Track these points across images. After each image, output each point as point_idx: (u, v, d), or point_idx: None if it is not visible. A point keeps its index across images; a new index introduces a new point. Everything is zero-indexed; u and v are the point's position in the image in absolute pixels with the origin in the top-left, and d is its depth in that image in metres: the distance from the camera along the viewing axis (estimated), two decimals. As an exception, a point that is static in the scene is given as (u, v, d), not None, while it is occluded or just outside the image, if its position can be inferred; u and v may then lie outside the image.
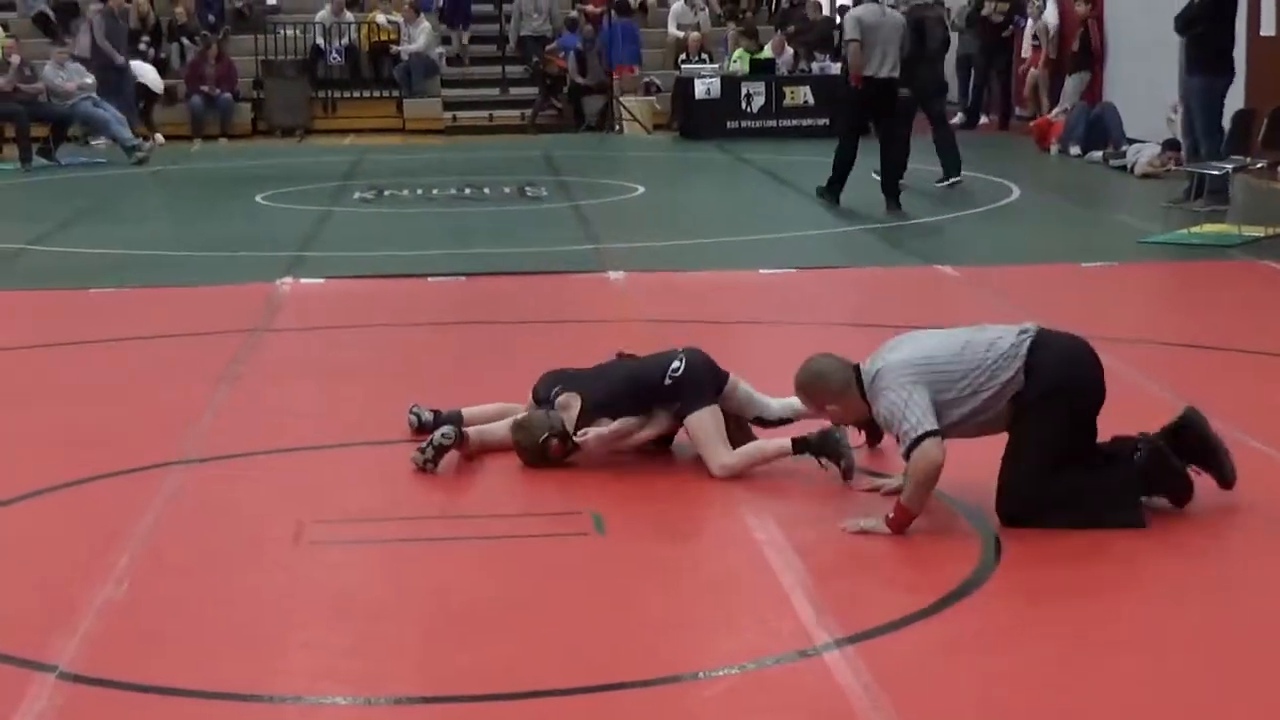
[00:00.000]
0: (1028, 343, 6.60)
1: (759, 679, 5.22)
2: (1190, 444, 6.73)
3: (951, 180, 17.72)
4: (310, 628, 5.70)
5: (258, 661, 5.42)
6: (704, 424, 7.32)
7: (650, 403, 7.46)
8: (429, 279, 12.64)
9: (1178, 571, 6.22)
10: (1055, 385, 6.53)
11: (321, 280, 12.71)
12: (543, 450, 7.42)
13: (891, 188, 16.34)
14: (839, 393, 6.74)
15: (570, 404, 7.49)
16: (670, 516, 6.95)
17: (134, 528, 6.70)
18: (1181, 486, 6.70)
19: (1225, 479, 6.75)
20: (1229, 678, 5.19)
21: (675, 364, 7.43)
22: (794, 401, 7.34)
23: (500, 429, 7.70)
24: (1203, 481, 6.74)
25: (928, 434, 6.41)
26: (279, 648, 5.54)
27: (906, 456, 6.48)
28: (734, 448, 7.32)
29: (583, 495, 7.11)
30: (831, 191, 16.71)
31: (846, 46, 16.55)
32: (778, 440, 7.35)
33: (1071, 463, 6.59)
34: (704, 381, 7.42)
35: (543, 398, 7.76)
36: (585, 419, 7.40)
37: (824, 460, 7.22)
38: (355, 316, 11.36)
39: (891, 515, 6.52)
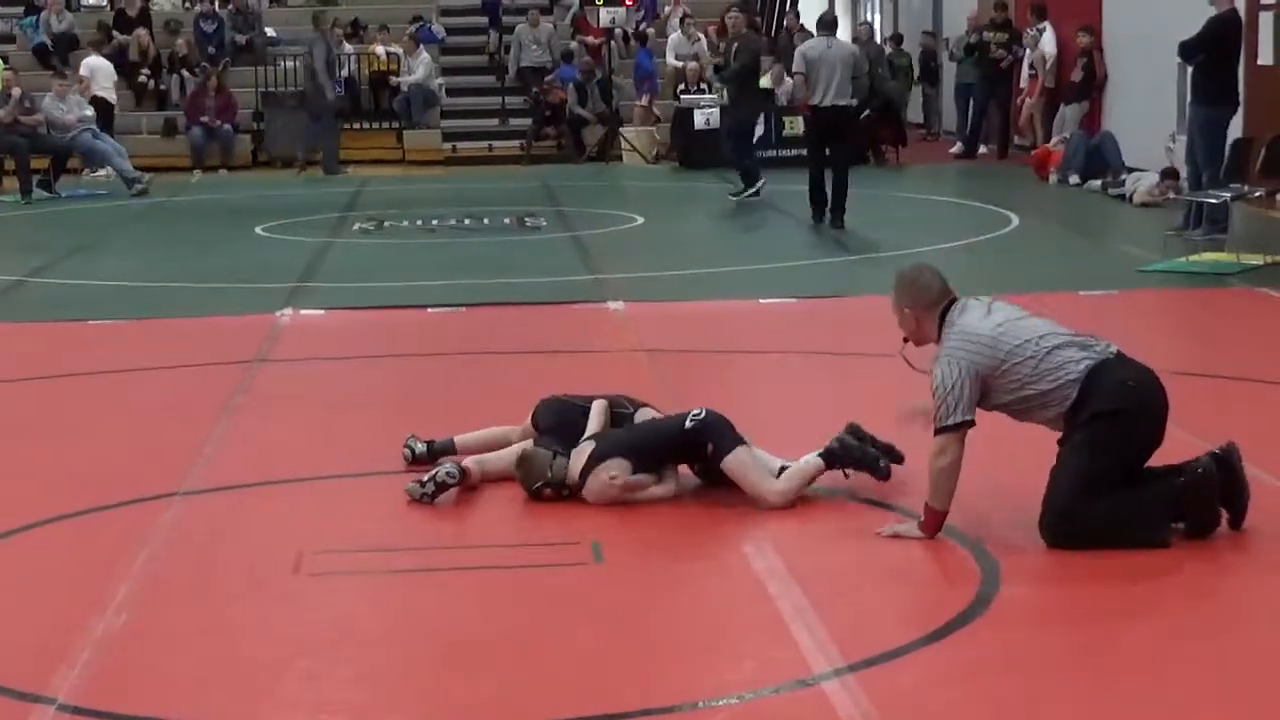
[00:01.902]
0: (1088, 363, 6.66)
1: (758, 708, 5.22)
2: (1221, 479, 6.72)
3: (748, 193, 19.70)
4: (309, 658, 5.70)
5: (257, 692, 5.42)
6: (742, 460, 7.30)
7: (667, 455, 7.42)
8: (429, 309, 12.65)
9: (1179, 598, 6.22)
10: (1109, 410, 6.59)
11: (322, 311, 12.72)
12: (537, 495, 7.41)
13: (839, 207, 17.55)
14: (923, 307, 6.89)
15: (583, 452, 7.42)
16: (669, 545, 6.95)
17: (133, 559, 6.70)
18: (1208, 519, 6.70)
19: (1237, 523, 6.75)
20: (1230, 705, 5.18)
21: (697, 411, 7.45)
22: (801, 468, 7.43)
23: (500, 460, 7.69)
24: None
25: (955, 426, 6.61)
26: (278, 679, 5.53)
27: (935, 435, 6.69)
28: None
29: (582, 524, 7.11)
30: (813, 212, 17.81)
31: (794, 79, 18.36)
32: (811, 459, 7.36)
33: (1113, 486, 6.63)
34: (729, 425, 7.40)
35: (544, 427, 7.76)
36: (590, 468, 7.38)
37: (849, 472, 7.37)
38: (355, 347, 11.37)
39: (923, 519, 6.71)
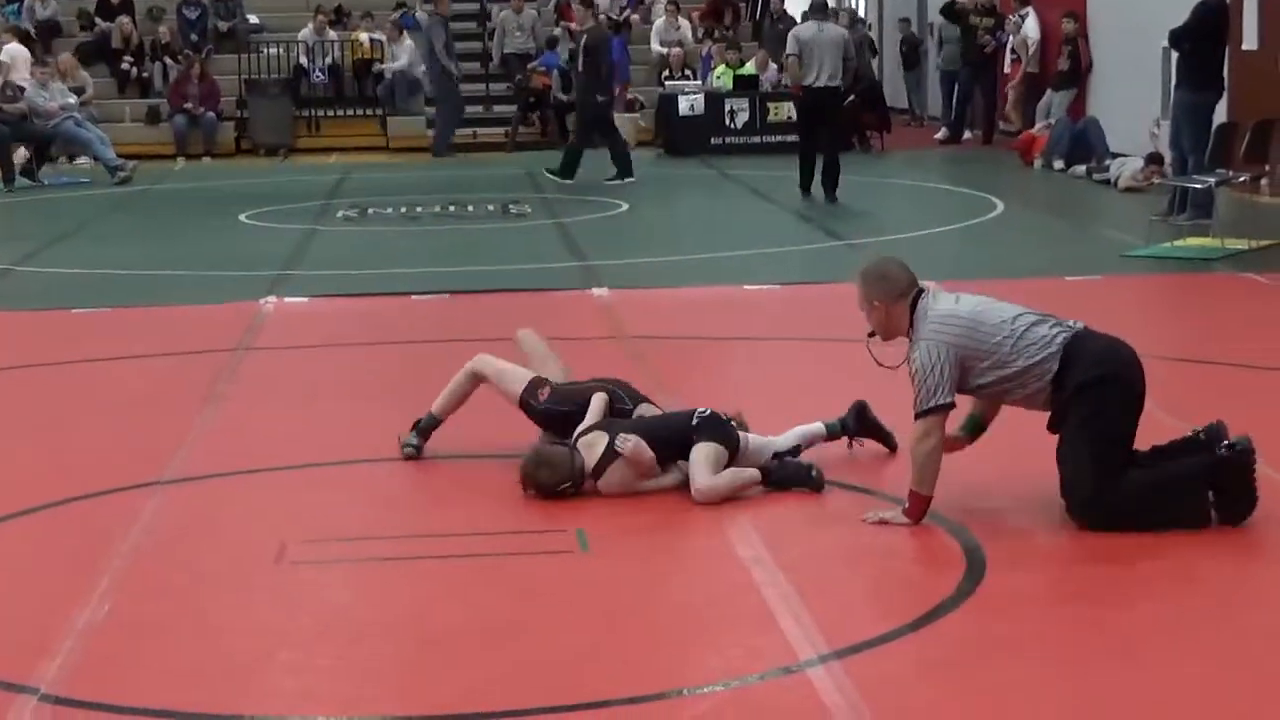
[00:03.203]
0: (1063, 336, 6.71)
1: (744, 696, 5.20)
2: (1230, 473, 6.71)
3: (625, 179, 20.28)
4: (292, 648, 5.68)
5: (239, 682, 5.40)
6: (704, 452, 7.25)
7: (675, 447, 7.37)
8: (413, 297, 12.63)
9: (1166, 585, 6.21)
10: (1096, 376, 6.64)
11: (305, 299, 12.69)
12: (558, 496, 7.29)
13: (829, 181, 18.27)
14: (891, 299, 6.87)
15: (595, 444, 7.37)
16: (654, 534, 6.94)
17: (116, 549, 6.68)
18: (1247, 498, 6.66)
19: (1237, 519, 6.72)
20: (1215, 690, 5.18)
21: (703, 409, 7.44)
22: (801, 429, 7.61)
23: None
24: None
25: (937, 409, 6.64)
26: (261, 668, 5.51)
27: (916, 419, 6.69)
28: None
29: (567, 513, 7.09)
30: (801, 184, 18.56)
31: (786, 60, 19.12)
32: (751, 470, 7.32)
33: (1126, 458, 6.66)
34: (722, 426, 7.38)
35: (538, 408, 7.73)
36: (608, 458, 7.34)
37: (794, 487, 7.34)
38: (339, 335, 11.34)
39: (908, 505, 6.72)
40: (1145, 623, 5.84)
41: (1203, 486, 6.67)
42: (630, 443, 7.26)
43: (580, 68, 21.03)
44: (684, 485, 7.29)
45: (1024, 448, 7.26)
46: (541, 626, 5.85)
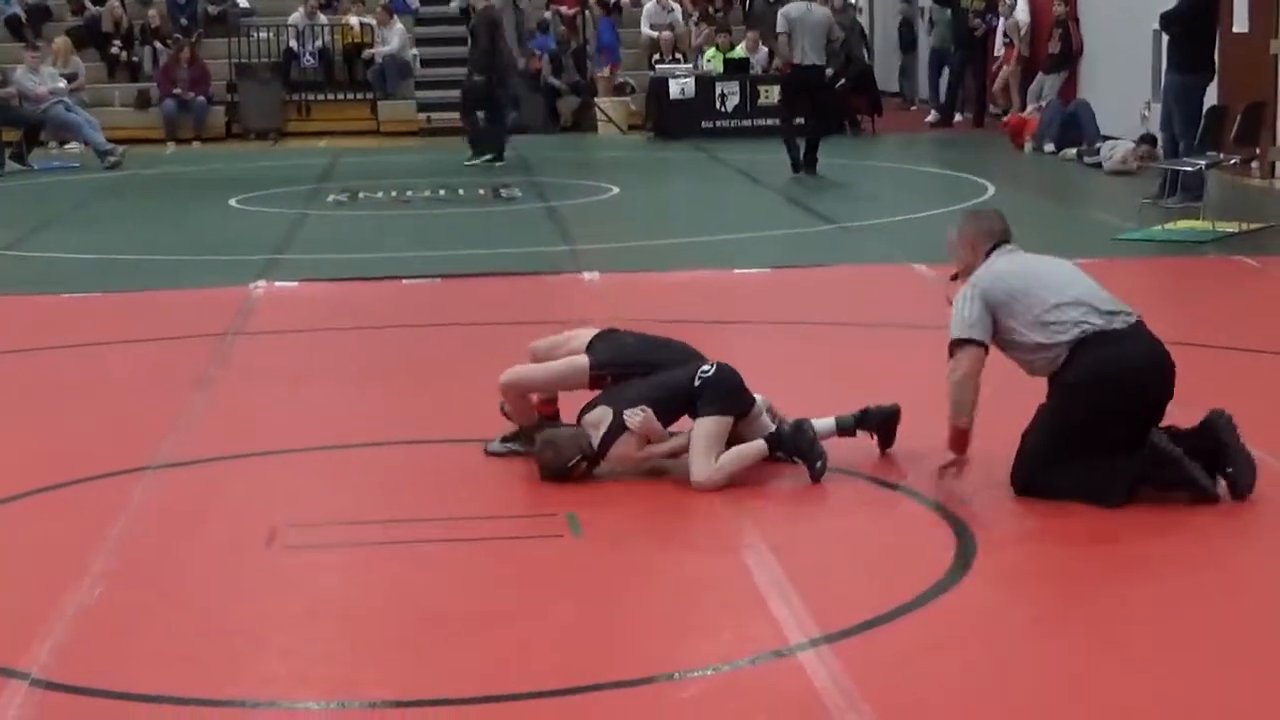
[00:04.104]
0: (1081, 332, 6.81)
1: (735, 680, 5.21)
2: (1205, 447, 6.76)
3: (487, 158, 20.91)
4: (285, 632, 5.69)
5: (232, 667, 5.40)
6: (705, 430, 7.17)
7: (679, 409, 7.31)
8: (404, 281, 12.62)
9: (1157, 566, 6.22)
10: (1082, 382, 6.75)
11: (296, 283, 12.68)
12: (569, 473, 7.27)
13: (811, 157, 19.00)
14: (973, 244, 7.19)
15: (601, 420, 7.32)
16: (646, 518, 6.94)
17: (107, 533, 6.67)
18: (1183, 486, 6.71)
19: (1237, 492, 6.74)
20: (1202, 666, 5.20)
21: (706, 367, 7.33)
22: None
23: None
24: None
25: (961, 341, 6.87)
26: (253, 653, 5.52)
27: (949, 352, 6.94)
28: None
29: (558, 497, 7.09)
30: (793, 163, 19.06)
31: (776, 39, 19.79)
32: (756, 445, 7.28)
33: (1076, 453, 6.75)
34: (726, 392, 7.27)
35: (603, 361, 7.54)
36: (614, 433, 7.32)
37: (797, 459, 7.20)
38: (330, 319, 11.33)
39: (949, 438, 6.92)
40: (1137, 603, 5.85)
41: (1126, 483, 6.72)
42: (639, 417, 7.22)
43: (484, 55, 21.13)
44: (654, 467, 7.31)
45: (1012, 432, 7.26)
46: (532, 611, 5.85)
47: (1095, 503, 6.66)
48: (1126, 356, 6.81)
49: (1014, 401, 7.04)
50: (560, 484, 7.21)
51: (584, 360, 7.53)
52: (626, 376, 7.46)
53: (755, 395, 7.43)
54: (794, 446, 7.20)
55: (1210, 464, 6.77)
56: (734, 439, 7.26)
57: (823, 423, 7.42)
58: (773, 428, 7.38)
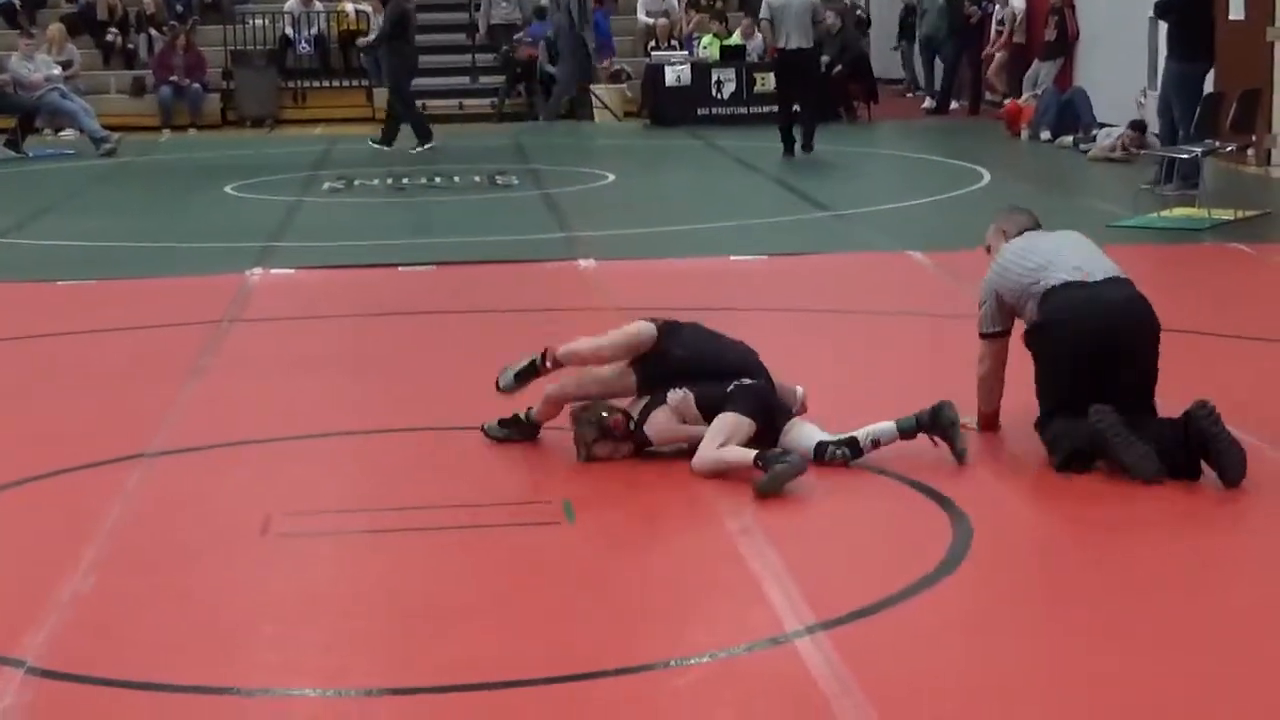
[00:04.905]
0: (1058, 280, 7.12)
1: (731, 667, 5.21)
2: (1192, 435, 6.76)
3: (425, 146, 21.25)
4: (279, 620, 5.68)
5: (226, 654, 5.39)
6: (723, 423, 7.15)
7: (712, 410, 7.26)
8: (399, 268, 12.60)
9: (1148, 554, 6.21)
10: (1050, 319, 7.08)
11: (291, 270, 12.66)
12: (602, 426, 7.25)
13: (809, 138, 19.61)
14: (999, 232, 7.69)
15: (640, 403, 7.39)
16: (641, 504, 6.93)
17: (101, 521, 6.67)
18: (1125, 465, 6.78)
19: (1226, 478, 6.71)
20: (1203, 657, 5.19)
21: (747, 381, 7.31)
22: (872, 428, 7.28)
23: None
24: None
25: (985, 335, 7.42)
26: (247, 640, 5.51)
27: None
28: None
29: (553, 484, 7.09)
30: (785, 147, 19.65)
31: (759, 26, 20.66)
32: (747, 451, 7.15)
33: (1064, 397, 7.02)
34: (755, 399, 7.26)
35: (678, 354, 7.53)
36: (654, 405, 7.31)
37: (936, 440, 7.19)
38: (325, 307, 11.32)
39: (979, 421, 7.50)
40: (1131, 591, 5.84)
41: (1075, 450, 6.93)
42: (679, 394, 7.29)
43: (384, 40, 21.65)
44: (645, 455, 7.34)
45: (1007, 417, 7.26)
46: (527, 598, 5.85)
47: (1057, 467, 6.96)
48: (1094, 294, 7.09)
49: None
50: (588, 463, 7.27)
51: (651, 326, 7.51)
52: (685, 363, 7.42)
53: (795, 387, 7.51)
54: (933, 425, 7.16)
55: (1198, 456, 6.77)
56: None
57: (883, 427, 7.24)
58: (817, 438, 7.24)
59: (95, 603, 5.84)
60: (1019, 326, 7.39)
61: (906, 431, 7.18)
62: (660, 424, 7.31)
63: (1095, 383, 6.90)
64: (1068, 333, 6.98)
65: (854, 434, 7.20)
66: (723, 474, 7.04)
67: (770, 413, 7.30)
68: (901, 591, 5.74)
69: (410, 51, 21.68)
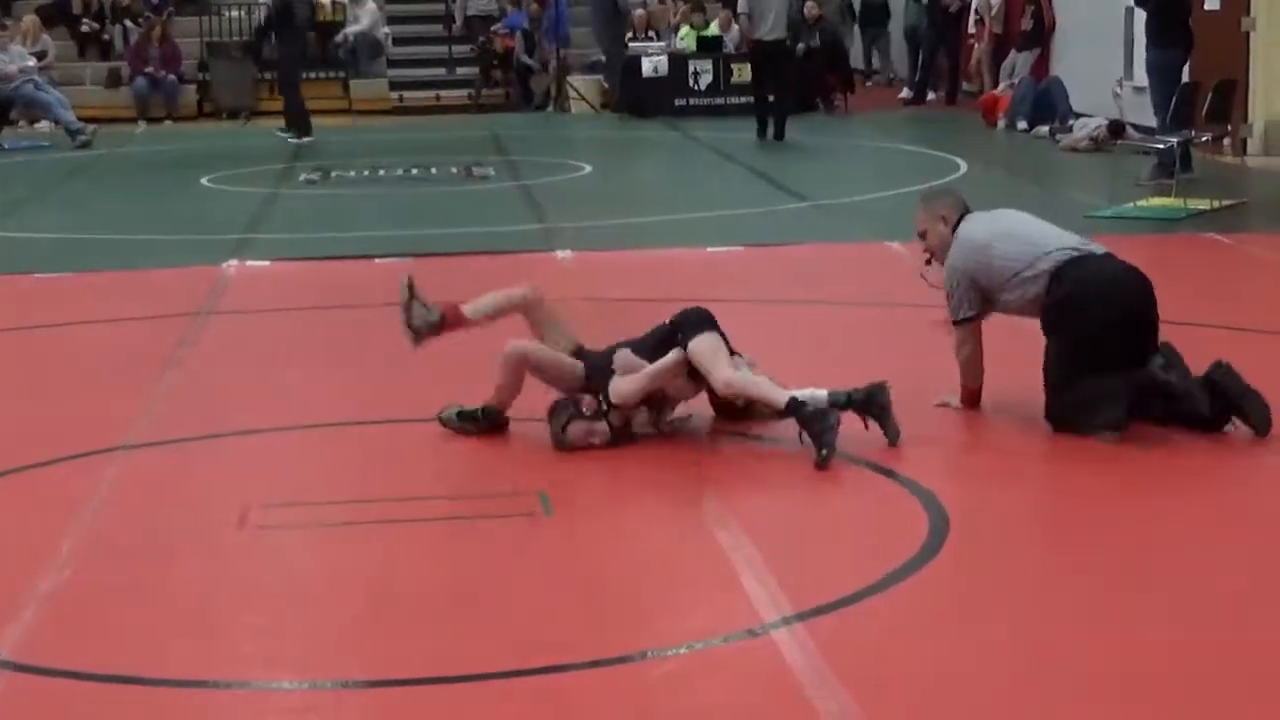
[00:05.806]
0: (1064, 257, 7.32)
1: (707, 658, 5.21)
2: (1216, 397, 7.11)
3: (303, 139, 21.39)
4: (256, 613, 5.67)
5: (203, 647, 5.39)
6: (703, 347, 7.33)
7: (660, 348, 7.41)
8: (376, 260, 12.58)
9: (1125, 542, 6.23)
10: (1071, 297, 7.22)
11: (268, 262, 12.64)
12: (565, 437, 7.33)
13: (780, 126, 20.13)
14: (936, 217, 7.73)
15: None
16: (618, 497, 6.94)
17: (78, 514, 6.65)
18: (1180, 416, 7.14)
19: (1260, 428, 7.10)
20: (1181, 642, 5.21)
21: (675, 313, 7.53)
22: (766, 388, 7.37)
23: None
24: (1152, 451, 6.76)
25: (963, 320, 7.55)
26: (225, 633, 5.51)
27: (954, 328, 7.66)
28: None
29: (530, 476, 7.09)
30: (759, 130, 20.31)
31: (738, 17, 21.34)
32: (780, 392, 7.19)
33: (1082, 366, 7.20)
34: (700, 318, 7.44)
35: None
36: (603, 374, 7.43)
37: (805, 436, 7.08)
38: (302, 299, 11.30)
39: (961, 395, 7.67)
40: (1109, 576, 5.85)
41: (1118, 402, 7.12)
42: (622, 353, 7.48)
43: (272, 27, 22.03)
44: (684, 388, 7.46)
45: (988, 412, 7.28)
46: (505, 590, 5.85)
47: (1103, 428, 7.07)
48: (1105, 269, 7.36)
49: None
50: (567, 453, 7.31)
51: (521, 289, 7.93)
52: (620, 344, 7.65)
53: (739, 353, 7.55)
54: (810, 424, 7.06)
55: (1224, 412, 7.11)
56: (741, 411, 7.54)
57: (814, 394, 7.24)
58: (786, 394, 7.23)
59: (72, 596, 5.82)
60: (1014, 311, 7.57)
61: (835, 405, 7.15)
62: (621, 384, 7.37)
63: (1119, 349, 7.18)
64: (1108, 304, 7.21)
65: (793, 393, 7.21)
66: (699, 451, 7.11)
67: (717, 323, 7.44)
68: (878, 582, 5.75)
69: (299, 40, 22.20)
